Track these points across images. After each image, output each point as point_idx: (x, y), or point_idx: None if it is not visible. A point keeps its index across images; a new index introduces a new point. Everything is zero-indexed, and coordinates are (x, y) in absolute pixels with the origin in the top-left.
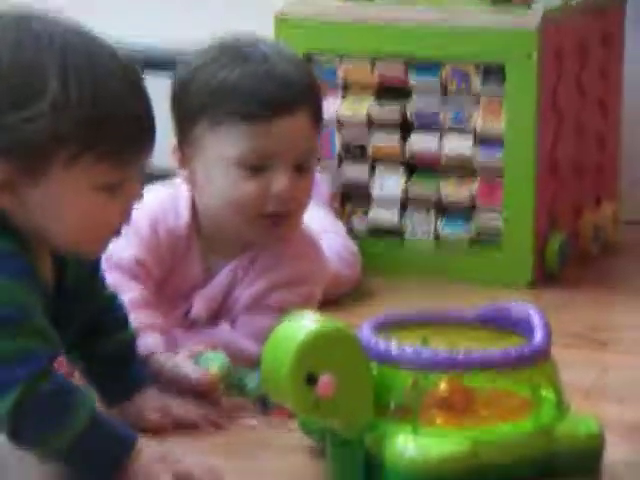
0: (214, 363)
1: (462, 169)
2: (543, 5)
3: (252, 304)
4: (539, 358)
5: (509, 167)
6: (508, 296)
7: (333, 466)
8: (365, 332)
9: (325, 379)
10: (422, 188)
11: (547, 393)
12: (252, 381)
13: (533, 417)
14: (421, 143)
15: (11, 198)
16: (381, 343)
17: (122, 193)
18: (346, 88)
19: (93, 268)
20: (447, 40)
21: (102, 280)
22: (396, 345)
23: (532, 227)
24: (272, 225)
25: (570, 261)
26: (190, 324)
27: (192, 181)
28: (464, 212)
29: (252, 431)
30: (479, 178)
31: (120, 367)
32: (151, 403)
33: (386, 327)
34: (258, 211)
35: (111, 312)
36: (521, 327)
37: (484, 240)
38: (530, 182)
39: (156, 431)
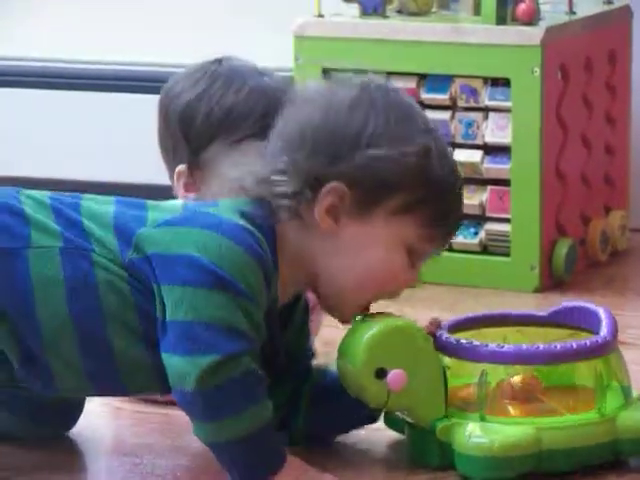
0: None
1: (472, 179)
2: (547, 22)
3: None
4: (602, 350)
5: (516, 177)
6: (517, 301)
7: (411, 449)
8: (440, 331)
9: (395, 373)
10: None
11: (613, 383)
12: None
13: (596, 406)
14: None
15: (330, 226)
16: (453, 339)
17: (412, 270)
18: None
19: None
20: (456, 56)
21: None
22: (468, 341)
23: (539, 234)
24: None
25: (578, 268)
26: None
27: None
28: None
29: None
30: (488, 187)
31: None
32: None
33: (463, 327)
34: None
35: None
36: (591, 324)
37: (493, 247)
38: (536, 191)
39: None
